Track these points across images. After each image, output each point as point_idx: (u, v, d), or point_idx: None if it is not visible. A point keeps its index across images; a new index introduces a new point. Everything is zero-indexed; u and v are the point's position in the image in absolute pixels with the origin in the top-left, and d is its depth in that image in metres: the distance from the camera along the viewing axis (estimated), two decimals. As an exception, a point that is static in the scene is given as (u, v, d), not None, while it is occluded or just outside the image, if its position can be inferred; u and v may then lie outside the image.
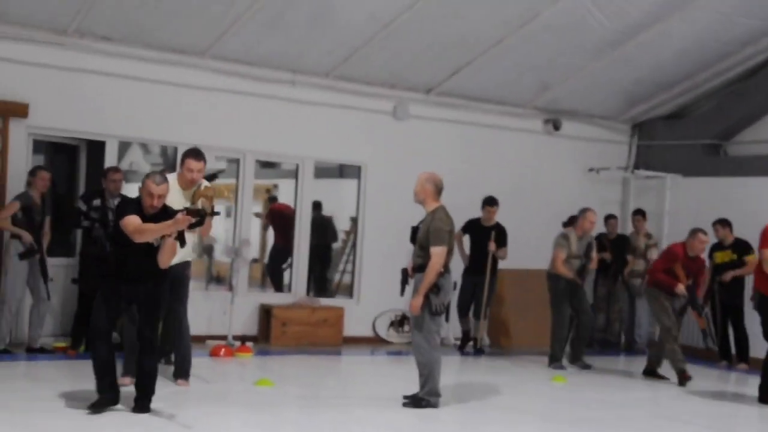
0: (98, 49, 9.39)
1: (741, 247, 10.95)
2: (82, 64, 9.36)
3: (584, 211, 10.07)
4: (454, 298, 10.20)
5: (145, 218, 6.00)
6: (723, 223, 11.04)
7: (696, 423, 7.49)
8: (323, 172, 12.02)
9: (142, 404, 6.13)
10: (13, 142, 9.03)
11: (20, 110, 8.97)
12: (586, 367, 9.96)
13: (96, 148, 9.76)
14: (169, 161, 13.34)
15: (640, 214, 12.04)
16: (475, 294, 10.65)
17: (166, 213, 6.07)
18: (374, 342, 11.00)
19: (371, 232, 11.23)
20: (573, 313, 10.01)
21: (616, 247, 11.87)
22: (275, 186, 14.77)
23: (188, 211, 5.71)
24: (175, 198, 6.59)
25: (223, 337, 9.60)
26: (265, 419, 6.39)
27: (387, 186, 10.98)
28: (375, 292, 10.98)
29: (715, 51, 11.20)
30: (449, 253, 7.04)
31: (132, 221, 5.92)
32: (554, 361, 9.84)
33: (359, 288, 11.31)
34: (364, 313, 11.12)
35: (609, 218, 12.05)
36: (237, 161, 10.73)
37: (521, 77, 11.40)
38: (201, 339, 9.73)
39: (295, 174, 11.25)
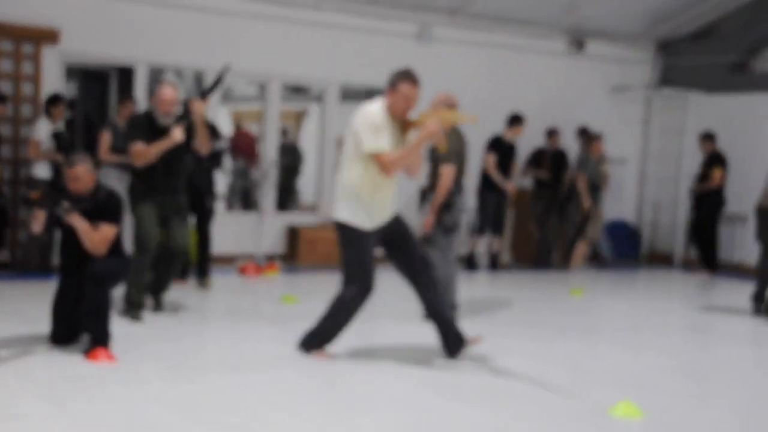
0: (127, -24, 9.52)
1: (716, 160, 11.33)
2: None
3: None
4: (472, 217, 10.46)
5: (73, 199, 5.66)
6: (706, 137, 11.41)
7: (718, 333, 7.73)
8: (350, 96, 12.18)
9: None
10: (45, 69, 9.21)
11: (52, 36, 9.09)
12: None
13: (126, 75, 9.99)
14: (201, 87, 13.55)
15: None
16: (497, 211, 10.92)
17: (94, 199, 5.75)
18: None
19: (396, 153, 11.38)
20: None
21: (554, 164, 11.66)
22: (306, 112, 14.95)
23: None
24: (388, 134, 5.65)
25: (252, 257, 9.95)
26: (289, 335, 6.55)
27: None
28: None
29: (740, -33, 11.10)
30: (460, 171, 7.25)
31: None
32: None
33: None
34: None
35: (552, 133, 11.67)
36: (264, 86, 10.94)
37: (545, -3, 11.40)
38: (230, 259, 10.12)
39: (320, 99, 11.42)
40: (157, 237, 6.80)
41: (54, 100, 8.76)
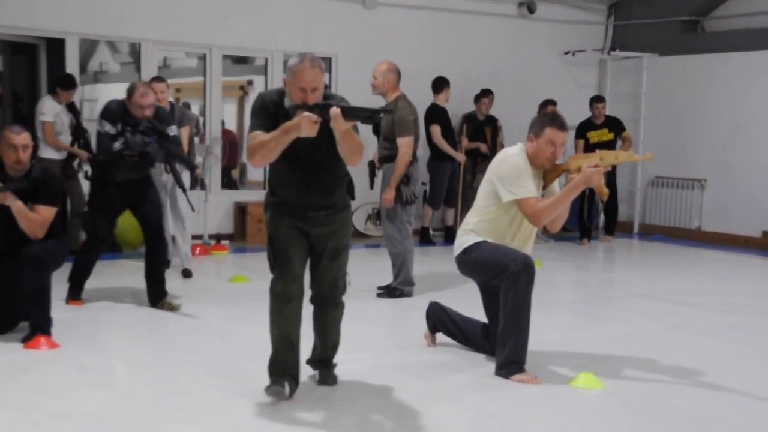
0: (50, -57, 9.01)
1: (615, 124, 10.84)
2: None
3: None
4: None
5: (6, 178, 5.31)
6: (599, 99, 10.89)
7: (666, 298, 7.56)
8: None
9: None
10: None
11: (-26, 9, 8.62)
12: None
13: (56, 47, 9.45)
14: (138, 60, 13.02)
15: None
16: (450, 183, 10.62)
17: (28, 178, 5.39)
18: (353, 236, 10.95)
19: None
20: None
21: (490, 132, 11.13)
22: (249, 83, 14.46)
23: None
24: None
25: (199, 237, 9.54)
26: (239, 314, 6.37)
27: (358, 77, 10.71)
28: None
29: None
30: (416, 141, 6.93)
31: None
32: None
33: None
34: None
35: (483, 95, 11.04)
36: (203, 57, 10.46)
37: (493, -42, 11.08)
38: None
39: (264, 70, 10.99)
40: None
41: None
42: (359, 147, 4.14)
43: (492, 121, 11.09)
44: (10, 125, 5.50)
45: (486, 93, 11.03)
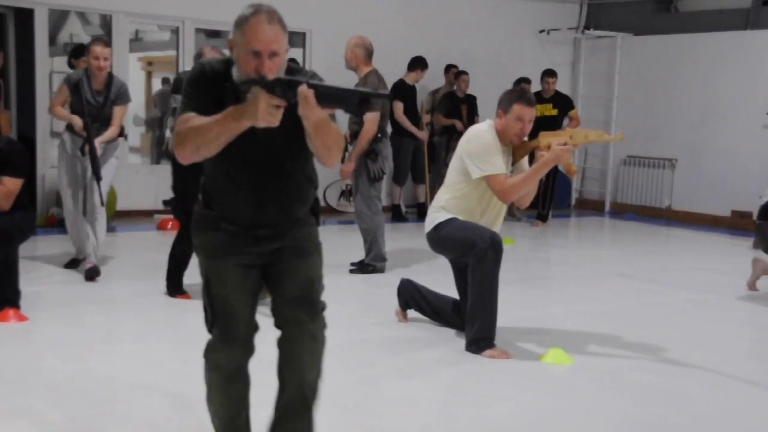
0: None
1: (562, 101, 10.56)
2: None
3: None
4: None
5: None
6: (551, 73, 10.59)
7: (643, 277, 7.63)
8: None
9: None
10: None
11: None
12: None
13: (25, 16, 9.28)
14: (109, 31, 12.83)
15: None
16: (415, 159, 10.63)
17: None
18: (326, 212, 10.93)
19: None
20: None
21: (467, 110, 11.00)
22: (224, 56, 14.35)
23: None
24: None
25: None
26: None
27: (333, 52, 10.63)
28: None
29: None
30: (383, 117, 6.89)
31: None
32: None
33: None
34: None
35: (460, 74, 11.01)
36: (176, 30, 10.33)
37: (469, -66, 11.01)
38: (149, 213, 9.62)
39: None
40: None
41: None
42: (338, 141, 2.90)
43: (470, 99, 11.07)
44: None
45: (464, 71, 11.01)
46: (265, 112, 2.70)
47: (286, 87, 2.73)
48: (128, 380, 4.29)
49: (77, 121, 6.51)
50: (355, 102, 2.69)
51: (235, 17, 2.87)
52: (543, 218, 10.67)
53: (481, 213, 5.02)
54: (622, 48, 12.28)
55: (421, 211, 10.75)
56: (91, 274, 6.44)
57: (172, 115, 6.00)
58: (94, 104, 6.61)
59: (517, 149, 5.02)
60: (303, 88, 2.69)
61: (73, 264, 6.87)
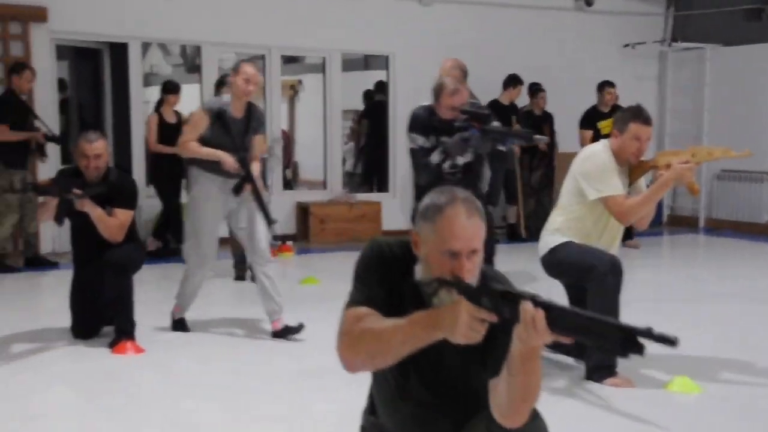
0: (113, -52, 9.06)
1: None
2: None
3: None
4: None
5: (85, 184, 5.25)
6: (612, 84, 10.03)
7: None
8: (348, 64, 11.71)
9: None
10: (35, 48, 8.79)
11: (39, 14, 8.72)
12: None
13: (119, 51, 9.51)
14: (189, 62, 13.06)
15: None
16: (508, 179, 10.53)
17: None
18: (413, 234, 10.88)
19: (403, 123, 10.93)
20: None
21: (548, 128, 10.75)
22: (300, 82, 14.46)
23: None
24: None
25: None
26: (316, 315, 6.26)
27: (416, 74, 10.65)
28: (410, 184, 10.77)
29: None
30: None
31: None
32: None
33: (395, 181, 11.14)
34: (402, 205, 10.97)
35: (537, 91, 10.75)
36: (262, 57, 10.45)
37: (552, -49, 10.91)
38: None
39: (321, 68, 10.95)
40: None
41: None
42: (538, 388, 2.22)
43: (548, 117, 10.92)
44: (86, 132, 5.42)
45: (542, 88, 10.86)
46: (467, 327, 2.10)
47: (498, 299, 2.11)
48: (251, 413, 4.25)
49: (228, 160, 5.47)
50: (617, 341, 1.94)
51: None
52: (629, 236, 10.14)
53: (598, 236, 4.90)
54: (711, 59, 11.99)
55: (510, 233, 10.62)
56: (291, 332, 5.73)
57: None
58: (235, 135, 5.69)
59: (634, 169, 4.89)
60: (528, 308, 2.03)
61: (180, 326, 5.91)
